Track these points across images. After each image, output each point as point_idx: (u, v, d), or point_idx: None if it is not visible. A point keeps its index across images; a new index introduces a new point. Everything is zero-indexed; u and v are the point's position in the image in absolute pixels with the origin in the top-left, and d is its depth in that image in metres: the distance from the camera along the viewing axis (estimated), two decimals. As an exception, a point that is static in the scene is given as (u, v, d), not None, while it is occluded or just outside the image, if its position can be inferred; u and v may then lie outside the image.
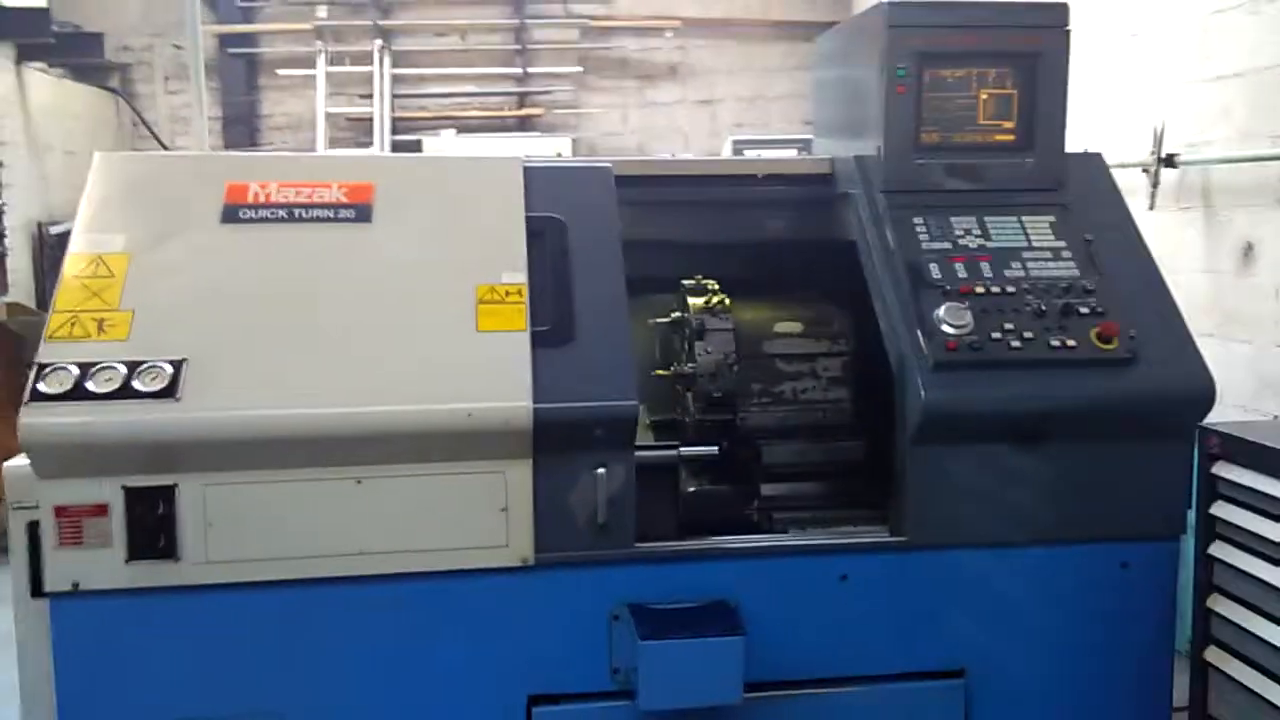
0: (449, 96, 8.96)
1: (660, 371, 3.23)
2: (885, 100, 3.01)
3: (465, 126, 8.79)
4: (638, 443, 2.72)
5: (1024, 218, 3.02)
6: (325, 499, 2.58)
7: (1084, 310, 2.82)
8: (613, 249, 2.88)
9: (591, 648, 2.72)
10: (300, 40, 8.75)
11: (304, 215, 2.84)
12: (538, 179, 2.98)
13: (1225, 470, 2.52)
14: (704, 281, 3.21)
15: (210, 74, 8.88)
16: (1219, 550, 2.54)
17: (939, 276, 2.86)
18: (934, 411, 2.69)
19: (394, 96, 8.74)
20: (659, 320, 3.23)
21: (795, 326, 3.20)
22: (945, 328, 2.76)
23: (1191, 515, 2.89)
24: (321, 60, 8.51)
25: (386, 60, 8.59)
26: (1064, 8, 3.06)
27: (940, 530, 2.80)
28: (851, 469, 3.08)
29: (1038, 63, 3.05)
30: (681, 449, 2.88)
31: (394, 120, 8.69)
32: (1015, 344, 2.75)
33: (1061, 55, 3.05)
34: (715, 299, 3.11)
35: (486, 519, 2.64)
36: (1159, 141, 4.35)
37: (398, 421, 2.55)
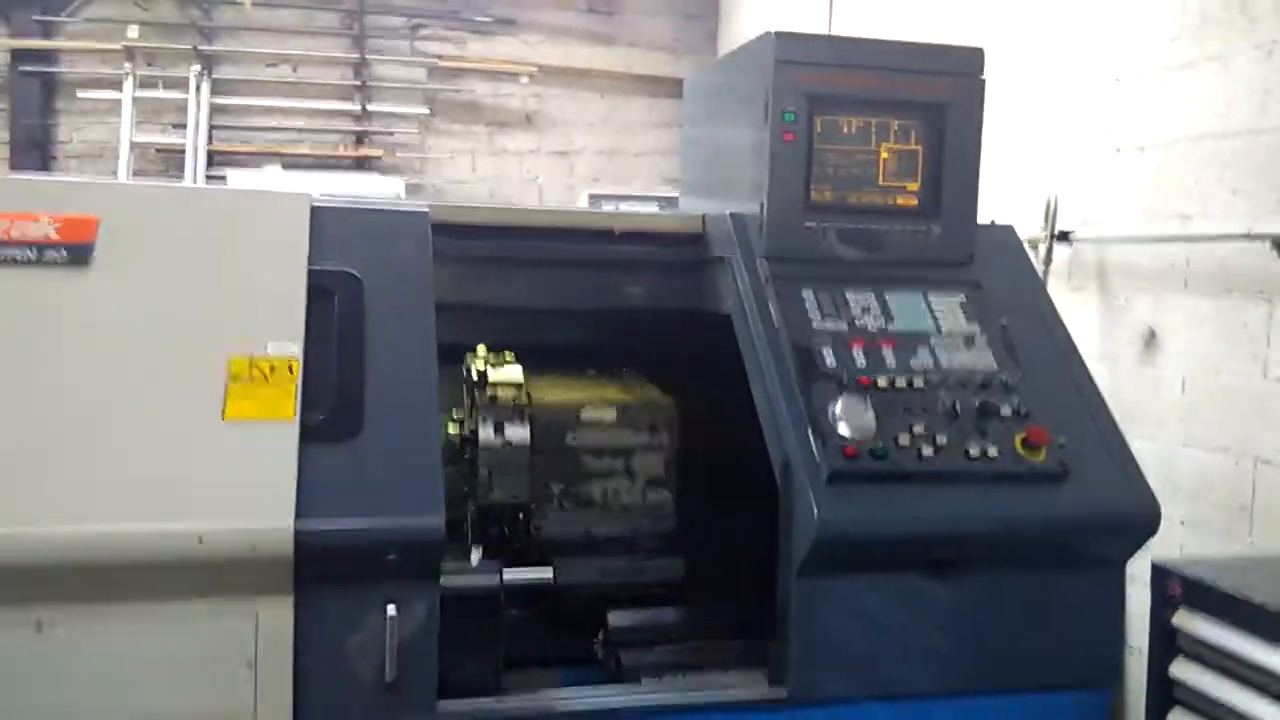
0: (277, 130, 8.13)
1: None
2: (770, 148, 2.47)
3: (294, 164, 7.96)
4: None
5: (930, 295, 2.51)
6: (-14, 655, 1.81)
7: (1005, 411, 2.31)
8: (422, 316, 2.23)
9: None
10: (107, 61, 7.79)
11: (-4, 254, 2.08)
12: (329, 222, 2.31)
13: (1188, 622, 2.01)
14: (496, 359, 2.61)
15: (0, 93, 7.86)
16: (1178, 723, 2.02)
17: (833, 364, 2.31)
18: (830, 535, 2.11)
19: (212, 127, 7.85)
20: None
21: (608, 414, 2.60)
22: (842, 428, 2.20)
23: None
24: (129, 83, 7.57)
25: (205, 87, 7.71)
26: (978, 53, 2.59)
27: (832, 680, 2.21)
28: (704, 592, 2.52)
29: (947, 115, 2.57)
30: (506, 572, 2.21)
31: (210, 153, 7.79)
32: (926, 451, 2.21)
33: (974, 108, 2.58)
34: (510, 391, 2.50)
35: (226, 679, 1.92)
36: (1052, 215, 3.98)
37: (93, 547, 1.81)
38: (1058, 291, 4.01)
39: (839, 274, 2.48)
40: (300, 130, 8.23)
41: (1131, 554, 2.35)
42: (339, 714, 1.97)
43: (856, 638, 2.21)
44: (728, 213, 2.58)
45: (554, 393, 2.64)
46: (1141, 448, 3.48)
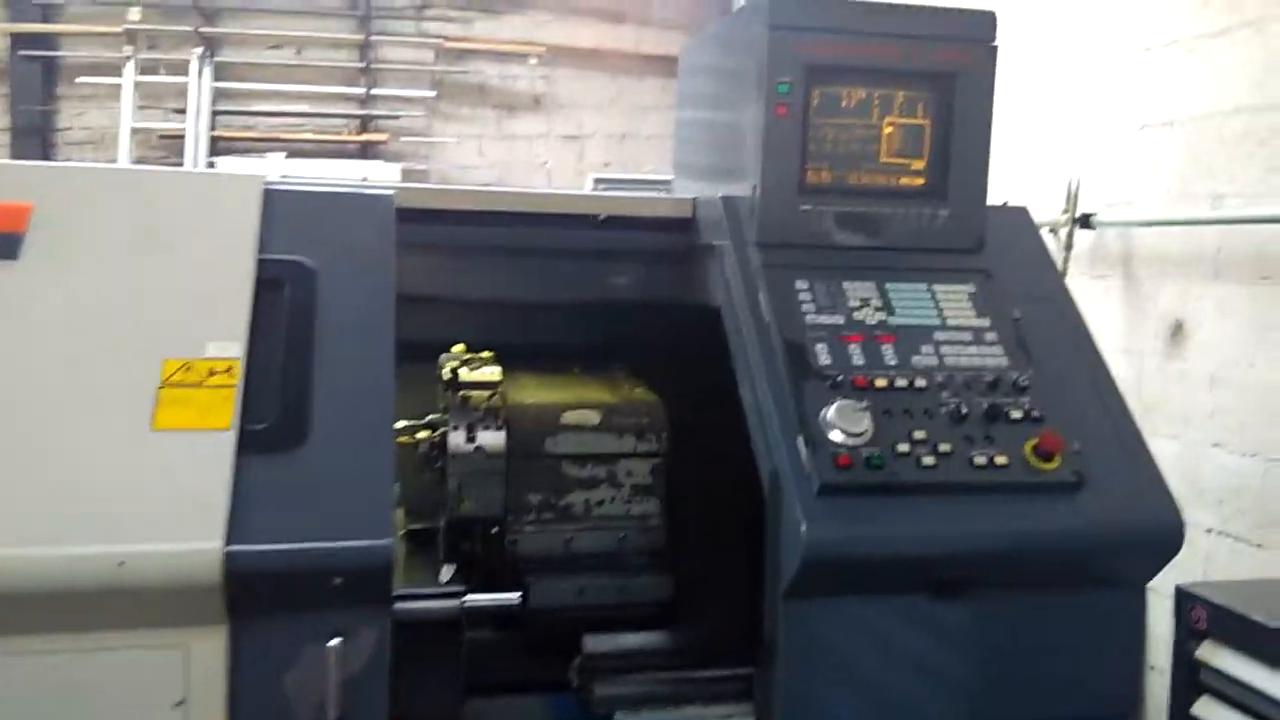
0: (280, 115, 7.98)
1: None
2: (763, 124, 2.27)
3: (298, 151, 7.81)
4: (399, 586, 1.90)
5: (936, 286, 2.30)
6: (-117, 692, 1.65)
7: (1015, 415, 2.10)
8: (381, 310, 2.05)
9: None
10: (108, 45, 7.66)
11: (-88, 247, 1.92)
12: (284, 207, 2.14)
13: (1214, 655, 1.80)
14: (471, 358, 2.45)
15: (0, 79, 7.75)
16: (1207, 767, 1.82)
17: (828, 362, 2.11)
18: (820, 553, 1.92)
19: (215, 113, 7.71)
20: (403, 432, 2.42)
21: (591, 417, 2.41)
22: (836, 435, 2.00)
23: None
24: (130, 67, 7.44)
25: (207, 71, 7.57)
26: (990, 17, 2.37)
27: (825, 715, 2.02)
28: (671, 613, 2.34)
29: (956, 86, 2.35)
30: (469, 597, 2.03)
31: (213, 139, 7.66)
32: (928, 460, 2.01)
33: (986, 78, 2.36)
34: (484, 394, 2.34)
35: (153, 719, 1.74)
36: (1073, 198, 3.75)
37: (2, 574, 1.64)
38: (1079, 280, 3.80)
39: (837, 262, 2.28)
40: (304, 115, 8.08)
41: (1153, 574, 2.14)
42: (279, 754, 1.80)
43: (852, 667, 2.01)
44: (719, 195, 2.38)
45: (532, 394, 2.46)
46: (1166, 448, 3.29)
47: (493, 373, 2.45)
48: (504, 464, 2.30)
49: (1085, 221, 3.74)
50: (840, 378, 2.08)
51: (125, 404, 1.81)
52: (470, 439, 2.31)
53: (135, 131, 7.50)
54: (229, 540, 1.70)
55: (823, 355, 2.11)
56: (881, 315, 2.22)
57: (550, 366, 2.64)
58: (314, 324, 1.99)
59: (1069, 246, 3.77)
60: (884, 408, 2.06)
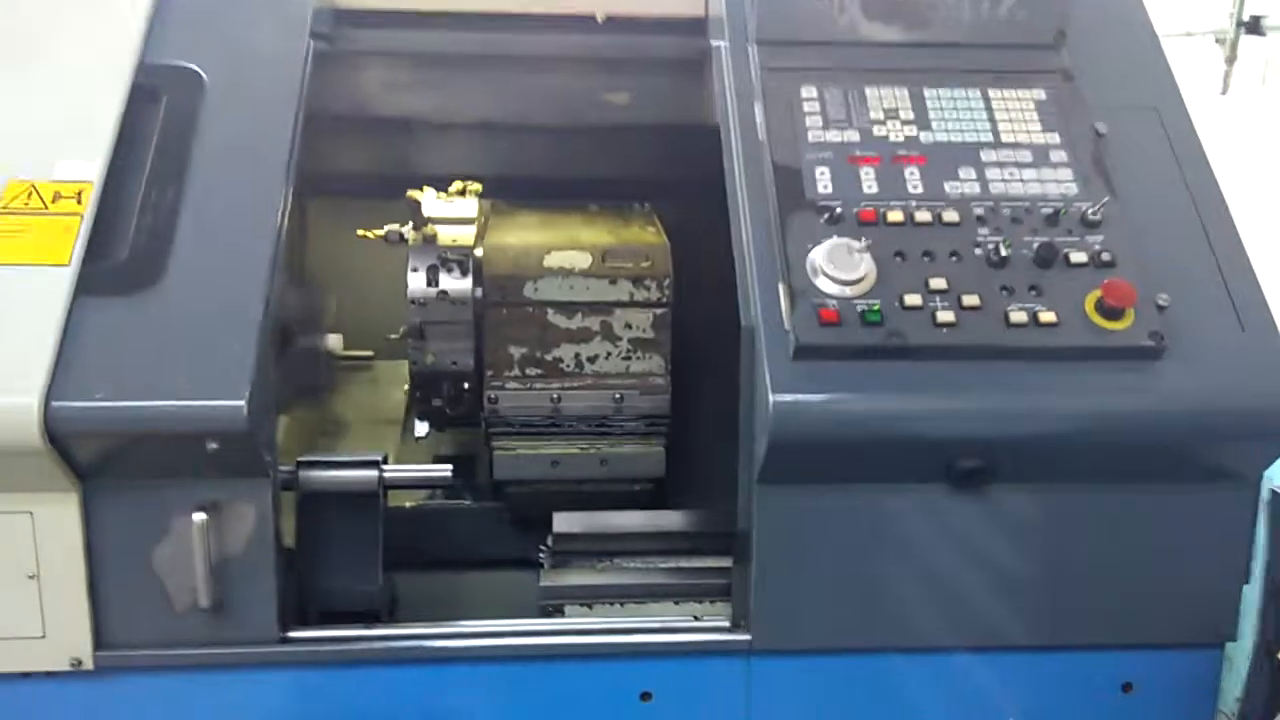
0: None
1: None
2: (765, -120, 1.77)
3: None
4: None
5: (992, 92, 1.78)
6: None
7: (1078, 258, 1.60)
8: (278, 129, 1.72)
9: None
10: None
11: None
12: (180, 5, 1.80)
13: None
14: (458, 188, 2.12)
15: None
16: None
17: (827, 190, 1.65)
18: (789, 430, 1.52)
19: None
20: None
21: (580, 260, 2.02)
22: (823, 282, 1.55)
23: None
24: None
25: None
26: None
27: (809, 627, 1.65)
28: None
29: None
30: (387, 469, 1.72)
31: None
32: (945, 316, 1.55)
33: None
34: (451, 232, 2.01)
35: (4, 593, 1.53)
36: (1239, -3, 3.03)
37: None
38: (1246, 97, 3.09)
39: (859, 63, 1.79)
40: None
41: (1267, 465, 1.64)
42: (151, 641, 1.57)
43: (846, 571, 1.62)
44: (721, -14, 1.91)
45: (517, 233, 2.10)
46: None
47: (464, 207, 2.10)
48: (471, 311, 1.98)
49: (1254, 26, 3.02)
50: (839, 209, 1.61)
51: (-44, 235, 1.54)
52: (432, 282, 1.99)
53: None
54: (50, 396, 1.43)
55: (822, 182, 1.65)
56: (911, 130, 1.72)
57: (560, 205, 2.27)
58: (192, 143, 1.67)
59: (1232, 57, 3.06)
60: (896, 249, 1.59)
